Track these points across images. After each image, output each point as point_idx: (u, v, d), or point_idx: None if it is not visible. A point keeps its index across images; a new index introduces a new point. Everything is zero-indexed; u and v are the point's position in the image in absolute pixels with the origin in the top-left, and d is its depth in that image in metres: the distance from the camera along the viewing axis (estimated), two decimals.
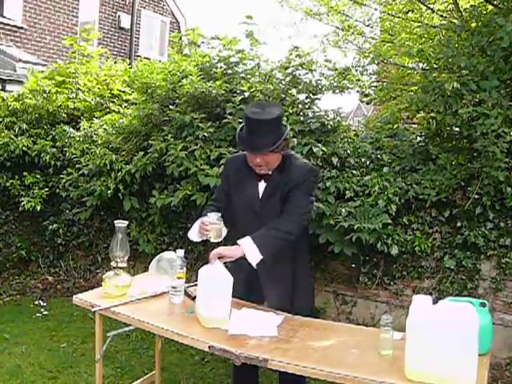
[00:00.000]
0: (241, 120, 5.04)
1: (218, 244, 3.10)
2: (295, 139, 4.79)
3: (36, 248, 6.52)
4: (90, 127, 6.19)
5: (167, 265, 3.31)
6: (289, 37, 9.34)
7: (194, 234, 3.17)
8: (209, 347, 2.50)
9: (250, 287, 3.15)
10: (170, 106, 5.41)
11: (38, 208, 5.94)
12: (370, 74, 7.33)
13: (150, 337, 4.54)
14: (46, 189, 6.09)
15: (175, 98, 5.51)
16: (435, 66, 5.01)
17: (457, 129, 4.68)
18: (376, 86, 7.45)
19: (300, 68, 5.51)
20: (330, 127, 5.20)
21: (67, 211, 6.22)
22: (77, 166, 5.83)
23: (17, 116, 6.47)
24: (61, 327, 5.06)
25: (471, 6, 5.79)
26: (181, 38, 6.64)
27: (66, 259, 6.39)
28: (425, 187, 4.55)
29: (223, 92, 5.28)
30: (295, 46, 5.65)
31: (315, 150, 4.74)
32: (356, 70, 6.74)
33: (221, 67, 5.62)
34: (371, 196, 4.59)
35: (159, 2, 16.20)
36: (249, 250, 2.88)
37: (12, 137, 6.08)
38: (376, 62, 7.22)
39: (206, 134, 5.08)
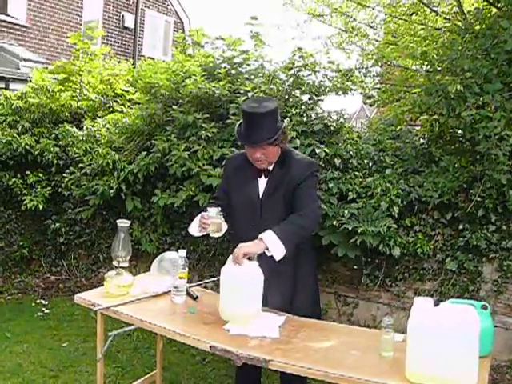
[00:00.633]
0: None
1: (217, 239, 3.12)
2: (298, 140, 4.80)
3: (38, 247, 6.52)
4: (93, 126, 6.20)
5: (169, 265, 3.31)
6: (292, 38, 9.34)
7: (193, 229, 3.18)
8: (210, 347, 2.50)
9: None
10: (174, 106, 5.41)
11: (41, 207, 5.94)
12: (374, 75, 7.31)
13: (151, 336, 4.54)
14: (49, 188, 6.09)
15: (178, 98, 5.52)
16: (439, 68, 5.01)
17: (460, 131, 4.68)
18: (379, 88, 7.43)
19: (303, 69, 5.51)
20: (332, 128, 5.20)
21: (69, 210, 6.23)
22: (79, 165, 5.83)
23: (20, 114, 6.47)
24: (62, 326, 5.07)
25: (475, 8, 5.78)
26: (185, 38, 6.65)
27: (68, 258, 6.40)
28: (427, 189, 4.55)
29: (227, 92, 5.29)
30: (299, 47, 5.65)
31: (318, 151, 4.74)
32: (359, 72, 6.72)
33: (224, 67, 5.62)
34: (374, 198, 4.58)
35: (163, 1, 16.22)
36: (273, 244, 2.82)
37: (15, 135, 6.09)
38: (379, 63, 7.21)
39: (209, 134, 5.08)
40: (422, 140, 5.24)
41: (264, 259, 2.94)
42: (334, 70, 5.77)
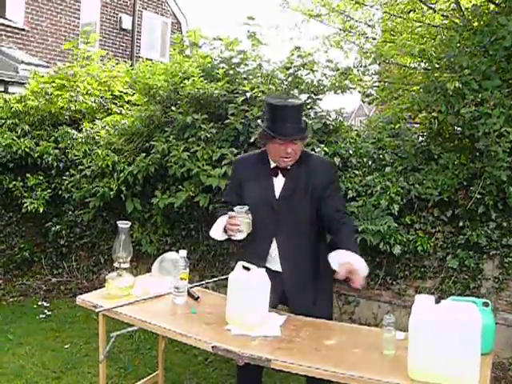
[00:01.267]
0: (243, 121, 5.05)
1: (240, 241, 3.05)
2: None
3: (39, 249, 6.53)
4: (92, 129, 6.20)
5: (170, 265, 3.31)
6: (290, 38, 9.32)
7: (217, 233, 3.07)
8: (212, 347, 2.50)
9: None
10: (172, 107, 5.41)
11: (41, 209, 5.95)
12: (372, 74, 7.32)
13: (153, 337, 4.55)
14: (49, 190, 6.10)
15: (177, 99, 5.52)
16: (437, 65, 5.01)
17: (459, 128, 4.68)
18: (378, 86, 7.44)
19: (302, 68, 5.52)
20: (331, 127, 5.21)
21: (70, 212, 6.24)
22: (79, 167, 5.84)
23: (19, 118, 6.49)
24: (64, 328, 5.07)
25: (473, 5, 5.79)
26: (182, 39, 6.65)
27: (69, 260, 6.40)
28: (427, 187, 4.55)
29: (225, 93, 5.29)
30: (297, 47, 5.65)
31: (317, 150, 4.74)
32: (358, 70, 6.74)
33: (222, 68, 5.62)
34: (373, 196, 4.59)
35: (160, 2, 16.21)
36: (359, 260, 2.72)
37: (14, 138, 6.10)
38: (378, 62, 7.22)
39: (208, 134, 5.09)
40: (421, 138, 5.24)
41: (288, 265, 2.97)
42: (332, 68, 5.77)
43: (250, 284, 2.71)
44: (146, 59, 8.61)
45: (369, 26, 9.22)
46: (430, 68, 5.28)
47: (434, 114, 4.72)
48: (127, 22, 14.76)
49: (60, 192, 6.10)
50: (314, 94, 5.43)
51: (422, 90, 4.94)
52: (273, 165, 3.09)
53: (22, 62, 10.26)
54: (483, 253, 4.55)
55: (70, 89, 6.71)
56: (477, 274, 4.58)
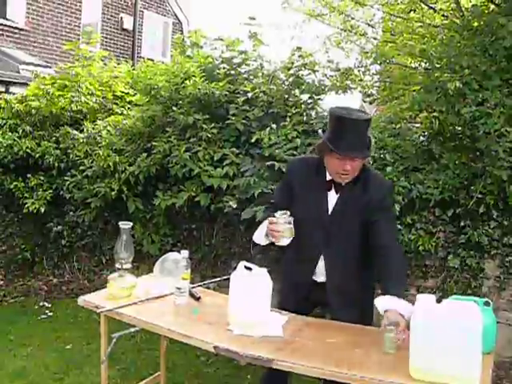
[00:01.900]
0: (244, 121, 5.06)
1: (281, 247, 2.95)
2: (298, 139, 4.81)
3: (40, 250, 6.52)
4: (94, 129, 6.19)
5: (172, 266, 3.31)
6: (291, 38, 9.32)
7: (259, 237, 2.94)
8: (214, 348, 2.50)
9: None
10: (174, 108, 5.41)
11: (42, 210, 5.95)
12: (373, 74, 7.33)
13: (154, 338, 4.53)
14: (50, 190, 6.10)
15: (178, 100, 5.52)
16: (437, 65, 5.02)
17: (459, 128, 4.68)
18: (378, 86, 7.44)
19: (303, 68, 5.52)
20: None
21: (71, 213, 6.23)
22: (80, 167, 5.84)
23: (20, 118, 6.48)
24: (66, 328, 5.07)
25: (473, 5, 5.80)
26: (183, 40, 6.65)
27: (71, 261, 6.40)
28: (428, 187, 4.55)
29: (226, 93, 5.30)
30: (298, 47, 5.66)
31: None
32: (358, 71, 6.75)
33: (224, 68, 5.63)
34: None
35: (161, 3, 16.22)
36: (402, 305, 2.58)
37: (16, 139, 6.10)
38: (378, 62, 7.21)
39: (209, 134, 5.09)
40: (422, 137, 5.24)
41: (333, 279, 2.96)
42: (333, 69, 5.78)
43: (251, 284, 2.71)
44: (148, 59, 8.61)
45: (369, 26, 9.22)
46: (430, 68, 5.29)
47: (435, 114, 4.72)
48: (128, 23, 14.76)
49: (61, 192, 6.09)
50: (315, 94, 5.43)
51: (422, 90, 4.94)
52: (328, 177, 2.93)
53: (23, 62, 10.27)
54: (484, 252, 4.55)
55: (72, 89, 6.72)
56: (478, 273, 4.59)
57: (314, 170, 2.99)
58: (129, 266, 3.10)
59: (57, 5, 12.96)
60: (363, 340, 2.64)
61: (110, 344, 2.95)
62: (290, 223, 2.77)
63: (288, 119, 5.08)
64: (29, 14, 12.29)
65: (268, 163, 4.79)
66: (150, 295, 3.10)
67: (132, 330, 3.15)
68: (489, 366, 2.30)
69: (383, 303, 2.61)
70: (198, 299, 3.08)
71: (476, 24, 5.13)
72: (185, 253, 3.04)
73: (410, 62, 7.49)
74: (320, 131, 3.07)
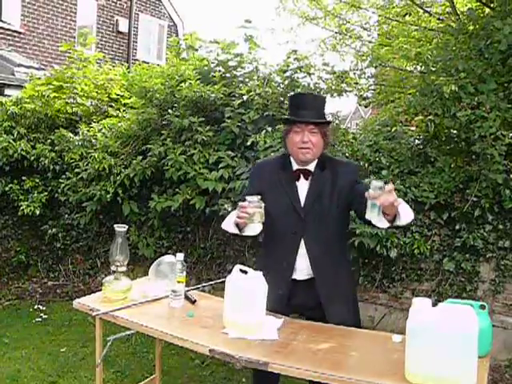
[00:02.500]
0: (239, 124, 5.06)
1: (254, 237, 2.93)
2: None
3: (35, 252, 6.52)
4: (89, 131, 6.19)
5: (167, 269, 3.30)
6: (286, 41, 9.34)
7: (228, 225, 2.89)
8: (209, 351, 2.50)
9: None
10: (169, 110, 5.41)
11: (37, 212, 5.94)
12: (368, 77, 7.32)
13: (149, 341, 4.54)
14: (45, 193, 6.09)
15: (174, 102, 5.52)
16: (433, 69, 5.03)
17: (455, 131, 4.69)
18: (374, 89, 7.45)
19: (298, 71, 5.54)
20: None
21: (66, 215, 6.23)
22: (76, 170, 5.83)
23: (15, 120, 6.47)
24: (60, 331, 5.06)
25: (468, 9, 5.80)
26: (179, 42, 6.65)
27: (65, 263, 6.39)
28: (423, 190, 4.56)
29: (222, 96, 5.30)
30: (293, 50, 5.67)
31: None
32: (354, 74, 6.74)
33: (219, 71, 5.63)
34: None
35: (157, 5, 16.23)
36: (405, 206, 2.63)
37: (11, 141, 6.09)
38: (374, 65, 7.23)
39: (204, 137, 5.09)
40: (417, 141, 5.25)
41: (320, 270, 2.93)
42: (328, 72, 5.79)
43: (247, 287, 2.70)
44: (143, 62, 8.61)
45: (365, 29, 9.24)
46: (426, 71, 5.29)
47: (431, 117, 4.73)
48: (124, 25, 14.78)
49: (56, 195, 6.09)
50: None
51: (418, 94, 4.95)
52: (295, 167, 2.99)
53: (19, 64, 10.25)
54: (479, 255, 4.56)
55: (67, 91, 6.71)
56: (473, 276, 4.60)
57: (279, 166, 3.04)
58: (124, 268, 3.09)
59: (52, 7, 12.97)
60: (359, 343, 2.64)
61: (105, 347, 2.95)
62: (260, 207, 2.72)
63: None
64: (24, 17, 12.29)
65: None
66: (146, 298, 3.10)
67: (127, 332, 3.16)
68: (485, 369, 2.30)
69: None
70: (193, 302, 3.08)
71: (471, 27, 5.15)
72: (180, 256, 3.03)
73: (406, 66, 7.51)
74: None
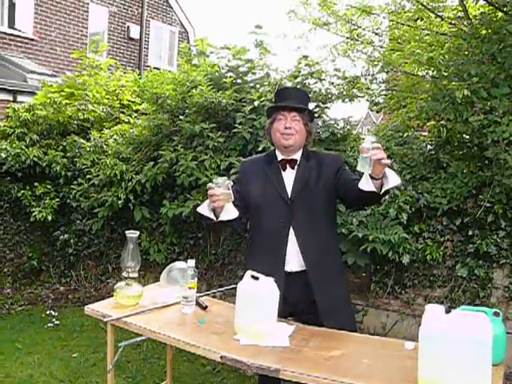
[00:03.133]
0: (251, 130, 5.06)
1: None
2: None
3: (47, 258, 6.55)
4: (100, 138, 6.22)
5: (178, 275, 3.30)
6: (297, 47, 9.31)
7: (205, 209, 2.92)
8: (220, 357, 2.49)
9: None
10: (180, 116, 5.42)
11: (49, 218, 5.99)
12: (380, 82, 7.29)
13: (160, 347, 4.54)
14: (57, 199, 6.13)
15: (185, 108, 5.54)
16: (445, 73, 5.00)
17: (467, 137, 4.67)
18: (386, 95, 7.42)
19: (309, 77, 5.52)
20: (339, 136, 5.20)
21: (78, 221, 6.25)
22: (87, 176, 5.86)
23: (28, 127, 6.53)
24: (72, 337, 5.07)
25: (481, 13, 5.77)
26: (190, 49, 6.67)
27: (77, 269, 6.41)
28: (436, 196, 4.54)
29: (233, 102, 5.31)
30: (304, 56, 5.66)
31: None
32: (365, 79, 6.72)
33: (230, 77, 5.64)
34: (382, 205, 4.57)
35: (168, 12, 16.30)
36: (391, 172, 2.68)
37: (23, 147, 6.14)
38: (385, 70, 7.20)
39: (215, 143, 5.10)
40: (429, 146, 5.23)
41: (311, 259, 2.95)
42: (339, 77, 5.77)
43: (258, 293, 2.69)
44: (154, 68, 8.64)
45: (376, 34, 9.20)
46: (438, 76, 5.26)
47: (443, 123, 4.71)
48: (135, 32, 14.85)
49: (68, 201, 6.12)
50: (322, 103, 5.43)
51: (430, 99, 4.92)
52: (280, 157, 3.08)
53: (31, 71, 10.33)
54: (493, 261, 4.52)
55: (79, 97, 6.75)
56: (486, 282, 4.56)
57: (265, 161, 3.14)
58: (135, 274, 3.09)
59: (64, 15, 13.05)
60: (371, 350, 2.62)
61: (117, 353, 2.95)
62: (228, 188, 2.78)
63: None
64: (36, 24, 12.37)
65: None
66: (157, 304, 3.09)
67: (138, 339, 3.15)
68: (499, 377, 2.28)
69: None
70: (204, 308, 3.07)
71: (484, 32, 5.11)
72: (191, 262, 3.03)
73: (418, 70, 7.46)
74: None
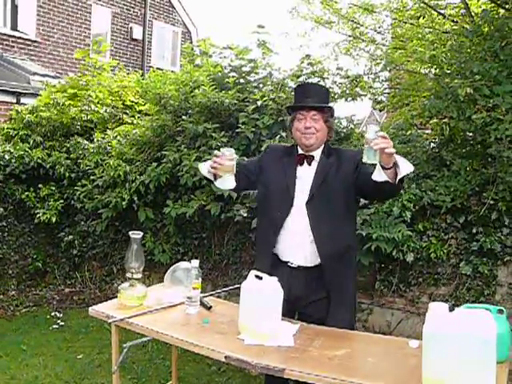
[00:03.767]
0: (254, 129, 5.06)
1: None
2: None
3: (52, 259, 6.56)
4: (104, 139, 6.23)
5: (182, 275, 3.31)
6: (300, 46, 9.31)
7: (204, 167, 3.03)
8: (225, 357, 2.49)
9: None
10: (183, 117, 5.43)
11: (54, 220, 5.99)
12: (382, 80, 7.30)
13: (165, 347, 4.55)
14: (61, 201, 6.14)
15: (188, 109, 5.54)
16: (448, 71, 5.00)
17: (470, 134, 4.66)
18: (388, 93, 7.43)
19: (312, 76, 5.52)
20: (343, 135, 5.20)
21: (82, 222, 6.26)
22: (91, 177, 5.87)
23: (31, 129, 6.54)
24: (77, 338, 5.08)
25: (483, 10, 5.75)
26: (192, 49, 6.68)
27: (82, 270, 6.42)
28: (439, 193, 4.53)
29: (236, 101, 5.31)
30: (307, 55, 5.67)
31: None
32: (368, 77, 6.73)
33: (233, 77, 5.64)
34: (386, 203, 4.57)
35: (171, 12, 16.30)
36: (401, 159, 2.68)
37: (27, 149, 6.15)
38: (388, 68, 7.20)
39: (219, 143, 5.10)
40: (432, 144, 5.22)
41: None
42: (342, 76, 5.77)
43: (262, 293, 2.70)
44: (157, 69, 8.64)
45: (378, 32, 9.20)
46: (440, 74, 5.26)
47: (446, 120, 4.70)
48: (138, 32, 14.87)
49: (72, 202, 6.13)
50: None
51: (432, 96, 4.92)
52: (300, 152, 3.10)
53: (34, 73, 10.35)
54: (497, 259, 4.51)
55: (82, 98, 6.76)
56: (491, 280, 4.55)
57: (286, 152, 3.17)
58: (140, 275, 3.10)
59: (67, 16, 13.07)
60: (375, 349, 2.62)
61: (122, 354, 2.95)
62: (232, 160, 2.83)
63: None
64: (39, 26, 12.40)
65: None
66: (161, 305, 3.10)
67: (143, 339, 3.16)
68: (504, 375, 2.28)
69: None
70: (209, 308, 3.07)
71: (486, 29, 5.10)
72: (195, 262, 3.03)
73: (420, 68, 7.46)
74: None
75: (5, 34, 11.64)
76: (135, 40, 14.95)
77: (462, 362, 2.08)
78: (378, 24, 9.23)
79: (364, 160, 2.60)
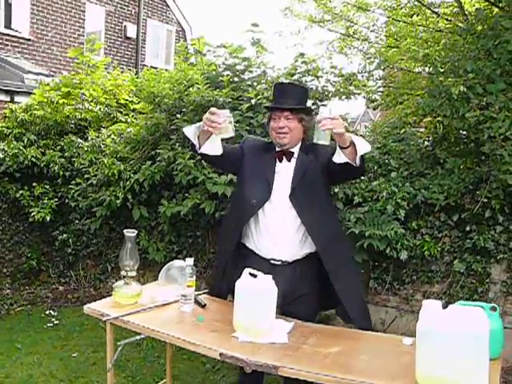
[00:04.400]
0: (248, 128, 5.07)
1: (207, 157, 2.95)
2: None
3: (46, 258, 6.54)
4: (98, 137, 6.22)
5: (177, 273, 3.32)
6: (294, 45, 9.32)
7: (190, 130, 3.01)
8: (220, 355, 2.50)
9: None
10: (178, 115, 5.42)
11: (48, 218, 5.97)
12: (376, 79, 7.32)
13: (160, 345, 4.54)
14: (56, 199, 6.12)
15: (182, 107, 5.53)
16: (441, 70, 5.01)
17: (464, 133, 4.68)
18: (382, 91, 7.44)
19: (306, 75, 5.53)
20: None
21: (76, 221, 6.25)
22: (85, 176, 5.86)
23: (25, 127, 6.52)
24: (72, 336, 5.08)
25: (476, 9, 5.78)
26: (187, 47, 6.67)
27: (76, 269, 6.41)
28: (433, 192, 4.55)
29: (230, 100, 5.30)
30: (301, 53, 5.67)
31: None
32: (362, 76, 6.74)
33: (227, 75, 5.64)
34: (379, 201, 4.59)
35: (165, 11, 16.28)
36: (357, 139, 2.78)
37: (21, 148, 6.13)
38: (382, 67, 7.21)
39: None
40: (426, 142, 5.24)
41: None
42: (336, 74, 5.78)
43: (256, 291, 2.70)
44: (151, 67, 8.64)
45: (372, 31, 9.21)
46: (434, 72, 5.27)
47: (439, 119, 4.71)
48: (132, 31, 14.84)
49: (66, 201, 6.11)
50: (319, 100, 5.44)
51: (426, 95, 4.93)
52: (278, 149, 3.16)
53: (28, 71, 10.32)
54: (490, 257, 4.53)
55: (76, 96, 6.75)
56: (484, 278, 4.57)
57: (265, 148, 3.23)
58: (134, 273, 3.10)
59: (60, 14, 13.03)
60: (369, 346, 2.63)
61: (116, 352, 2.95)
62: (230, 121, 2.82)
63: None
64: (33, 24, 12.36)
65: None
66: (156, 303, 3.10)
67: (138, 337, 3.16)
68: (496, 372, 2.29)
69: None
70: (203, 306, 3.08)
71: (480, 28, 5.12)
72: (190, 260, 3.04)
73: (414, 67, 7.48)
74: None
75: None
76: (129, 38, 14.92)
77: (455, 359, 2.09)
78: (372, 22, 9.24)
79: (314, 141, 2.70)
